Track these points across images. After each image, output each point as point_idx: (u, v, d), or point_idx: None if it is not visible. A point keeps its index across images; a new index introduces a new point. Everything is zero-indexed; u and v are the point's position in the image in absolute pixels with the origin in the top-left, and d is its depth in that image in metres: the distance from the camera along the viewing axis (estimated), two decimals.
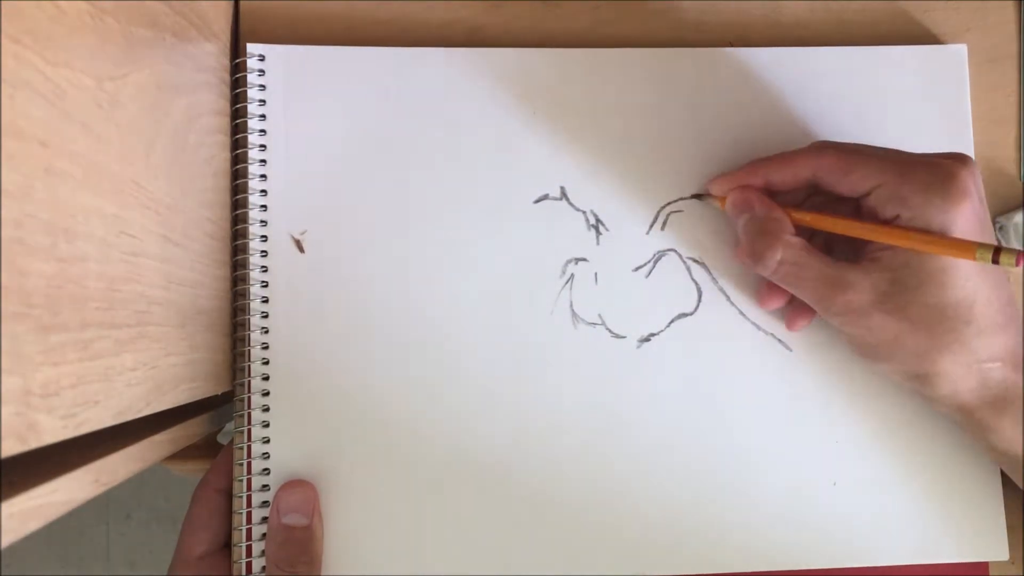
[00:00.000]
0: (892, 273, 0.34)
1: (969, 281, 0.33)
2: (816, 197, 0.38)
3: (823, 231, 0.37)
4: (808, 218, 0.36)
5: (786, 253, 0.35)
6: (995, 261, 0.31)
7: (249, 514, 0.37)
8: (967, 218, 0.33)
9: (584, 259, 0.39)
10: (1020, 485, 0.37)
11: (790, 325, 0.39)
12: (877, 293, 0.34)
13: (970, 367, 0.34)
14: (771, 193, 0.37)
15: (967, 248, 0.32)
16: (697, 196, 0.40)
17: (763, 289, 0.39)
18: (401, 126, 0.39)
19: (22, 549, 1.05)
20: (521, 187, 0.39)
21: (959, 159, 0.34)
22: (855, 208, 0.36)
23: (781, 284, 0.36)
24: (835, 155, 0.35)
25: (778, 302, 0.38)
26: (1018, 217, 0.41)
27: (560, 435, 0.38)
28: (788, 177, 0.36)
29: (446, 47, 0.40)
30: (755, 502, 0.39)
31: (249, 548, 0.37)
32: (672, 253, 0.40)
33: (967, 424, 0.36)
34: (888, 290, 0.34)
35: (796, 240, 0.35)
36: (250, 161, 0.38)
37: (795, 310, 0.39)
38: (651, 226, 0.40)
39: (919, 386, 0.36)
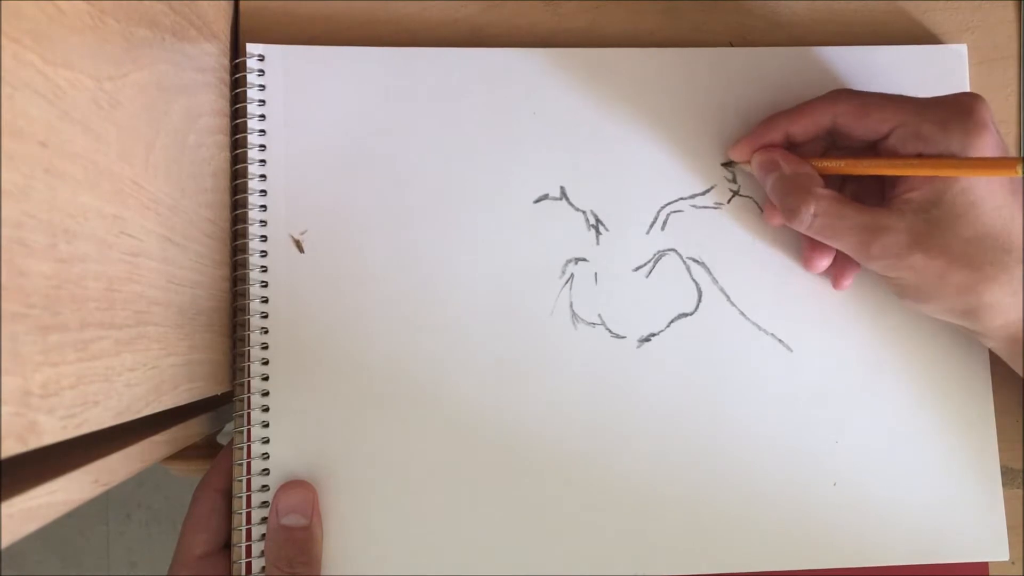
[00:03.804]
0: (925, 212, 0.34)
1: (1003, 210, 0.33)
2: (835, 150, 0.38)
3: (849, 183, 0.37)
4: (842, 164, 0.36)
5: (819, 206, 0.35)
6: None
7: (249, 514, 0.37)
8: (989, 148, 0.33)
9: (584, 259, 0.39)
10: None
11: (837, 283, 0.39)
12: (914, 233, 0.34)
13: (1016, 295, 0.34)
14: (792, 146, 0.37)
15: (1009, 164, 0.31)
16: (726, 164, 0.40)
17: (807, 251, 0.39)
18: (401, 126, 0.39)
19: (22, 549, 1.05)
20: (521, 187, 0.39)
21: (971, 96, 0.34)
22: (874, 151, 0.36)
23: (818, 237, 0.36)
24: (852, 99, 0.35)
25: (825, 261, 0.38)
26: None
27: (560, 435, 0.38)
28: (807, 126, 0.36)
29: (446, 47, 0.40)
30: (755, 502, 0.39)
31: (249, 548, 0.37)
32: (672, 253, 0.40)
33: (1020, 356, 0.36)
34: (924, 229, 0.34)
35: (827, 192, 0.35)
36: (250, 161, 0.38)
37: (838, 268, 0.39)
38: (651, 226, 0.40)
39: (969, 322, 0.36)
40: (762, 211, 0.40)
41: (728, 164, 0.40)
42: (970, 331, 0.37)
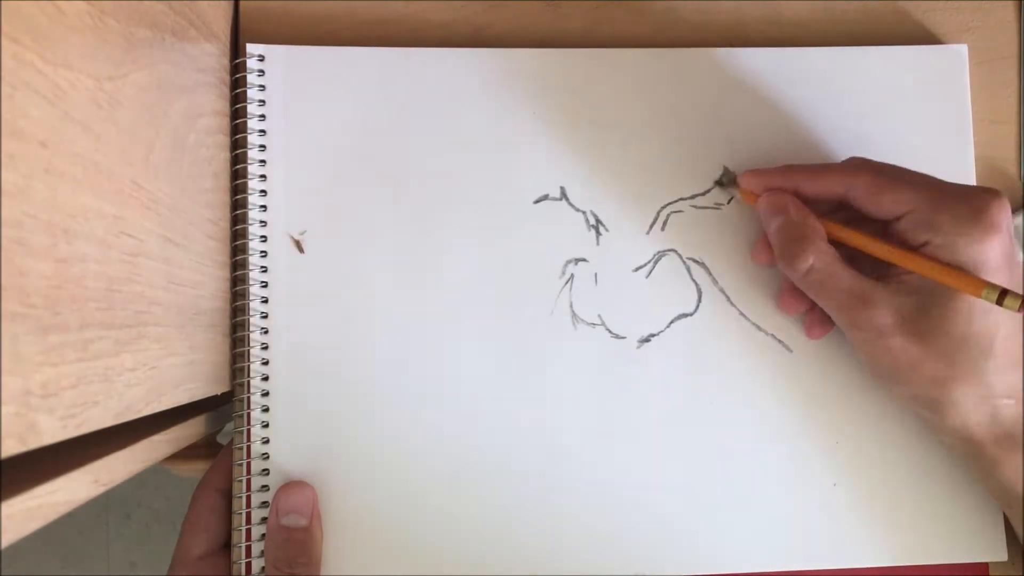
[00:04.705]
0: (918, 297, 0.34)
1: (991, 315, 0.33)
2: (843, 211, 0.37)
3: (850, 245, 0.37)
4: (835, 231, 0.36)
5: (818, 261, 0.35)
6: (999, 303, 0.31)
7: (248, 514, 0.37)
8: (995, 252, 0.33)
9: (584, 259, 0.39)
10: (1018, 528, 0.37)
11: (810, 333, 0.39)
12: (901, 315, 0.34)
13: (983, 400, 0.34)
14: (800, 199, 0.37)
15: (976, 284, 0.32)
16: (719, 183, 0.39)
17: (785, 293, 0.38)
18: (401, 126, 0.39)
19: (22, 549, 1.05)
20: (521, 187, 0.39)
21: (991, 192, 0.34)
22: (883, 227, 0.36)
23: (807, 291, 0.36)
24: (870, 176, 0.35)
25: (799, 308, 0.38)
26: (1019, 219, 0.41)
27: (560, 435, 0.38)
28: (820, 190, 0.36)
29: (446, 47, 0.40)
30: (755, 502, 0.39)
31: (248, 548, 0.37)
32: (672, 253, 0.40)
33: (972, 459, 0.36)
34: (912, 314, 0.34)
35: (829, 249, 0.35)
36: (250, 161, 0.38)
37: (815, 318, 0.38)
38: (651, 226, 0.40)
39: (930, 413, 0.35)
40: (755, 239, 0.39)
41: (722, 184, 0.39)
42: (927, 421, 0.37)
